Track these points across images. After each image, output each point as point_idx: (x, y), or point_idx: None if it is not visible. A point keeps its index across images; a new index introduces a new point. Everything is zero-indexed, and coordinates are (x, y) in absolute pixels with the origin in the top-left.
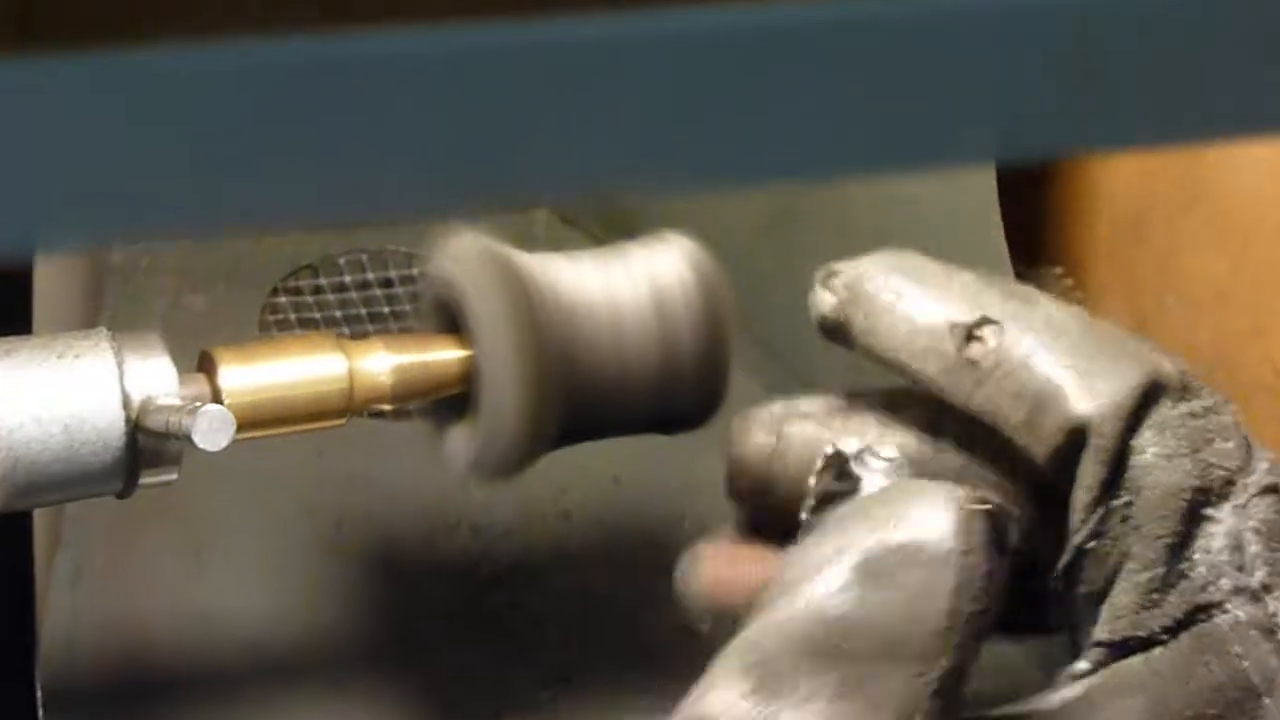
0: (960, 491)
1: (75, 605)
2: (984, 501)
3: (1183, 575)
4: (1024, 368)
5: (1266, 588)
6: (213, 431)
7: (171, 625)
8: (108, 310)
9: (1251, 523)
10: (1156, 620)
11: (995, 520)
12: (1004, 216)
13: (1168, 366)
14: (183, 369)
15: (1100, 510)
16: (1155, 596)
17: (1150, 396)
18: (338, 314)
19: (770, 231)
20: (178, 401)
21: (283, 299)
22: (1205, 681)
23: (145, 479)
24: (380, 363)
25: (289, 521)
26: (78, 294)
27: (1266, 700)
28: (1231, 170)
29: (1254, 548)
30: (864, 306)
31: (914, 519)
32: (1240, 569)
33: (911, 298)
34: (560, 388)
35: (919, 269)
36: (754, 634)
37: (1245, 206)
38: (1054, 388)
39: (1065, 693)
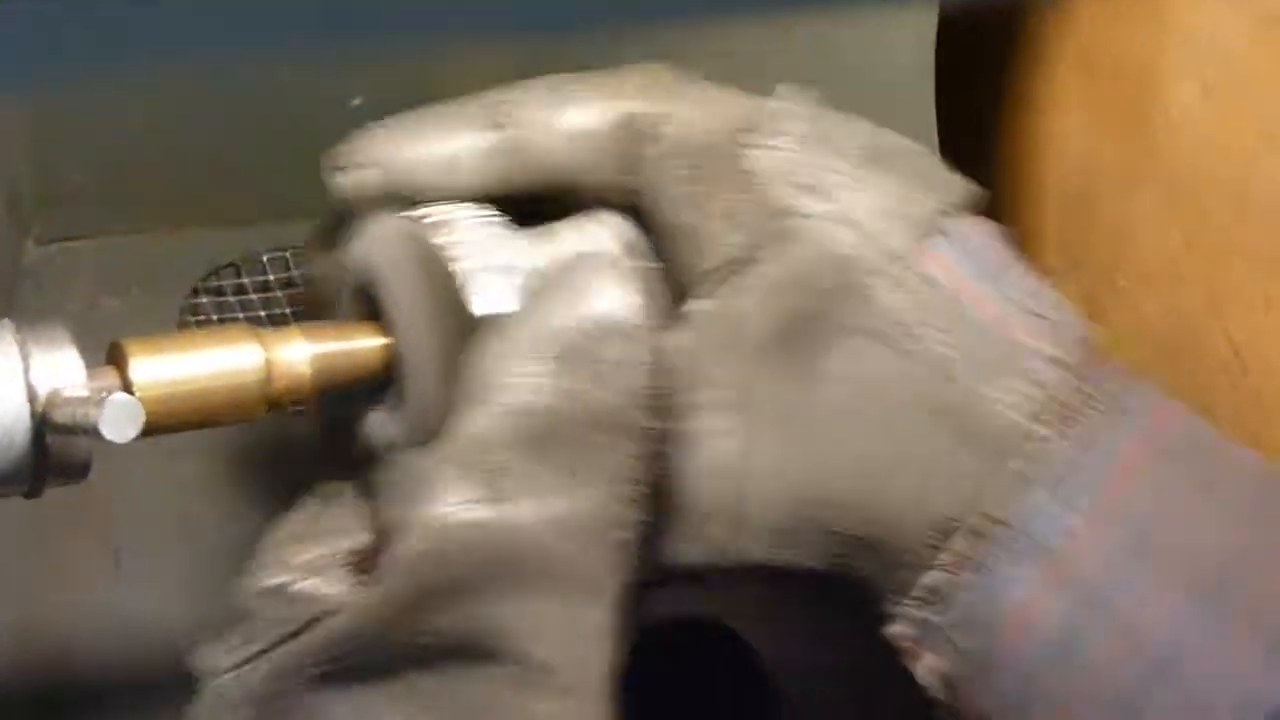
0: (632, 263)
1: None
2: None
3: (752, 197)
4: (558, 116)
5: (825, 185)
6: (120, 422)
7: (90, 633)
8: (19, 313)
9: (793, 138)
10: (746, 238)
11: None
12: None
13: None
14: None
15: (668, 182)
16: (737, 221)
17: (657, 79)
18: (262, 314)
19: None
20: (85, 393)
21: (204, 299)
22: (805, 270)
23: (54, 478)
24: (299, 351)
25: (211, 524)
26: None
27: (863, 275)
28: (1183, 142)
29: (800, 157)
30: (395, 161)
31: (598, 296)
32: (795, 175)
33: (432, 129)
34: None
35: (421, 113)
36: (467, 435)
37: (1198, 180)
38: (596, 111)
39: (690, 321)
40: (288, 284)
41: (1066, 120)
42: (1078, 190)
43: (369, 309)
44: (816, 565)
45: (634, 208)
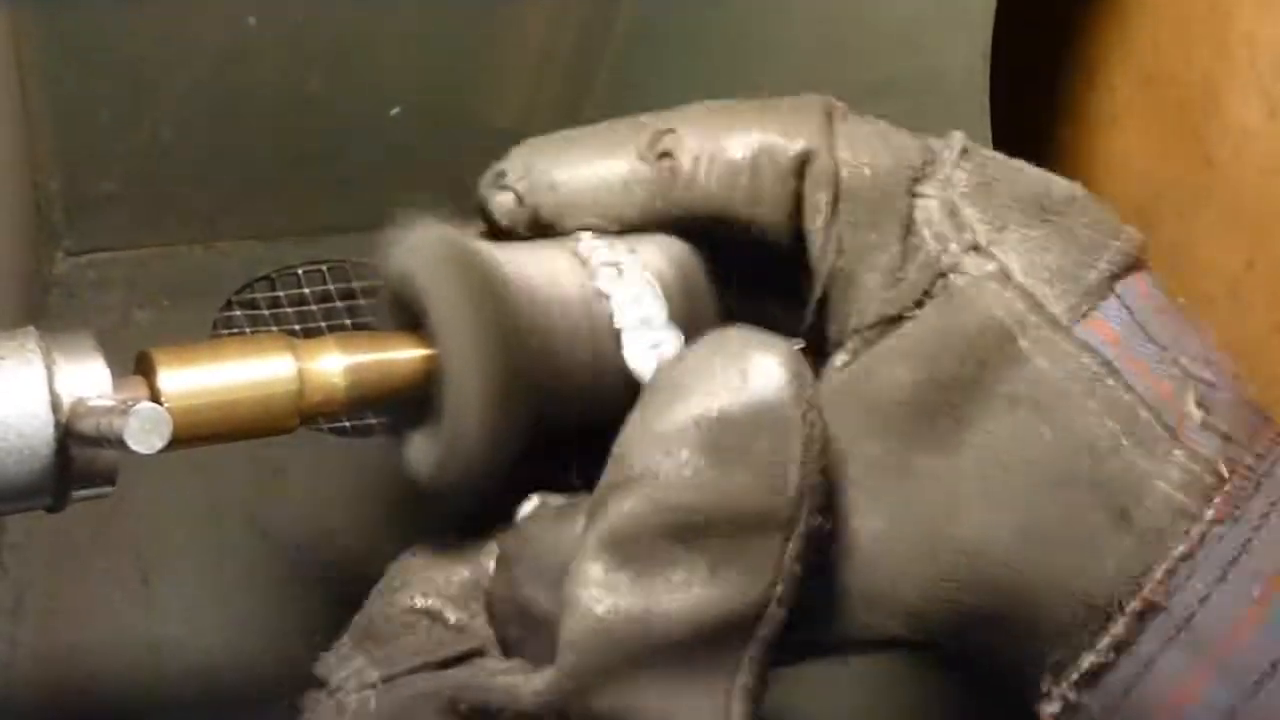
0: (783, 342)
1: (15, 636)
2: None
3: (915, 249)
4: (721, 149)
5: (990, 242)
6: (146, 432)
7: (118, 656)
8: (49, 325)
9: (959, 189)
10: (903, 295)
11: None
12: None
13: (825, 95)
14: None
15: (835, 226)
16: (897, 275)
17: (829, 117)
18: (296, 328)
19: None
20: (110, 403)
21: (237, 312)
22: (960, 333)
23: (78, 491)
24: (333, 363)
25: (243, 545)
26: (16, 309)
27: (1021, 341)
28: (1245, 156)
29: (967, 210)
30: (546, 182)
31: (749, 380)
32: (961, 231)
33: (586, 151)
34: (529, 388)
35: (571, 134)
36: (616, 529)
37: (1260, 200)
38: (761, 145)
39: (833, 380)
40: (323, 297)
41: (1126, 138)
42: (1137, 209)
43: (408, 320)
44: (954, 643)
45: (787, 245)
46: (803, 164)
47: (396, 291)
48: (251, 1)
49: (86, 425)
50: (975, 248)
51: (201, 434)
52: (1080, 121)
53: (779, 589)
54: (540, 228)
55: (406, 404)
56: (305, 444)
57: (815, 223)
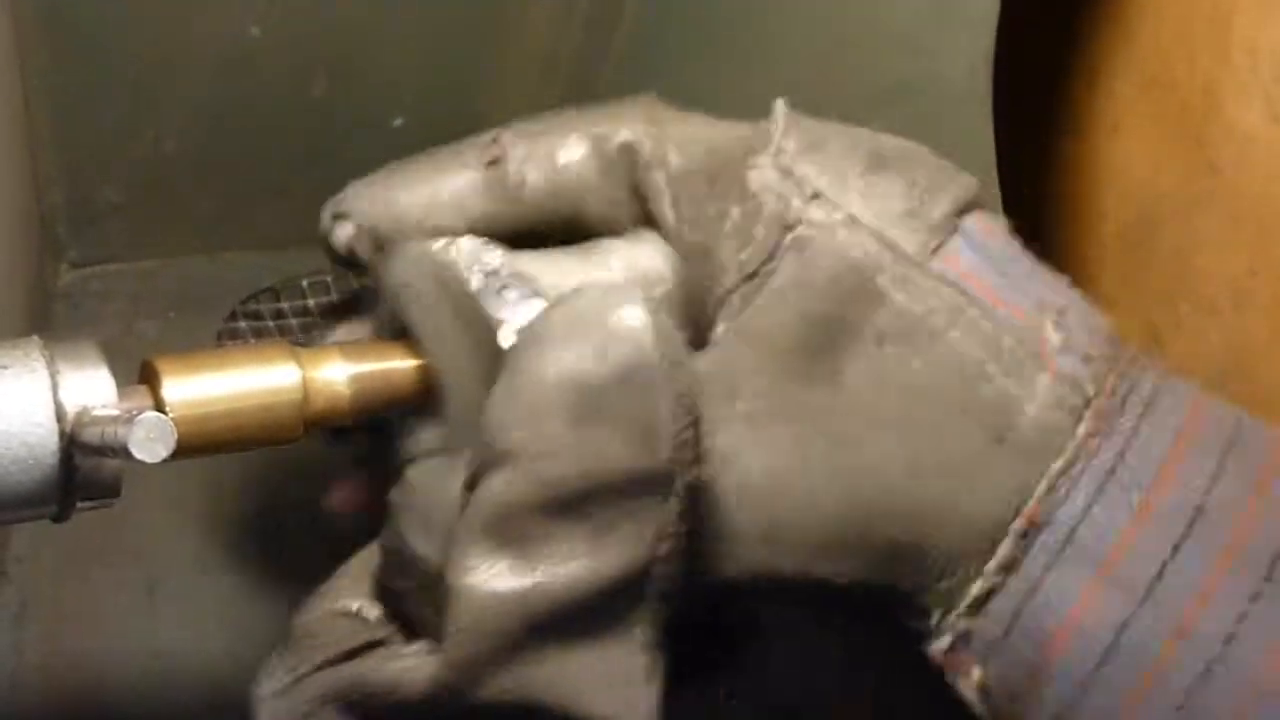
0: (637, 293)
1: (20, 645)
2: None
3: (758, 210)
4: (546, 148)
5: (832, 192)
6: (151, 441)
7: (123, 665)
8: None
9: (790, 153)
10: (756, 251)
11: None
12: (1007, 219)
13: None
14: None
15: (678, 205)
16: (746, 238)
17: (653, 110)
18: (300, 338)
19: None
20: (115, 412)
21: (241, 323)
22: (821, 276)
23: (83, 501)
24: (337, 371)
25: (247, 556)
26: (20, 321)
27: (879, 279)
28: (1247, 162)
29: (803, 168)
30: (381, 203)
31: (611, 339)
32: (801, 186)
33: (422, 171)
34: None
35: (408, 160)
36: (483, 515)
37: (1263, 205)
38: (587, 139)
39: (719, 339)
40: (329, 309)
41: (1127, 144)
42: (1138, 215)
43: (403, 330)
44: (851, 580)
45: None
46: (631, 153)
47: (389, 303)
48: (254, 11)
49: (91, 435)
50: (816, 196)
51: (206, 443)
52: (1081, 127)
53: (664, 547)
54: (381, 248)
55: (410, 412)
56: (309, 454)
57: (660, 205)
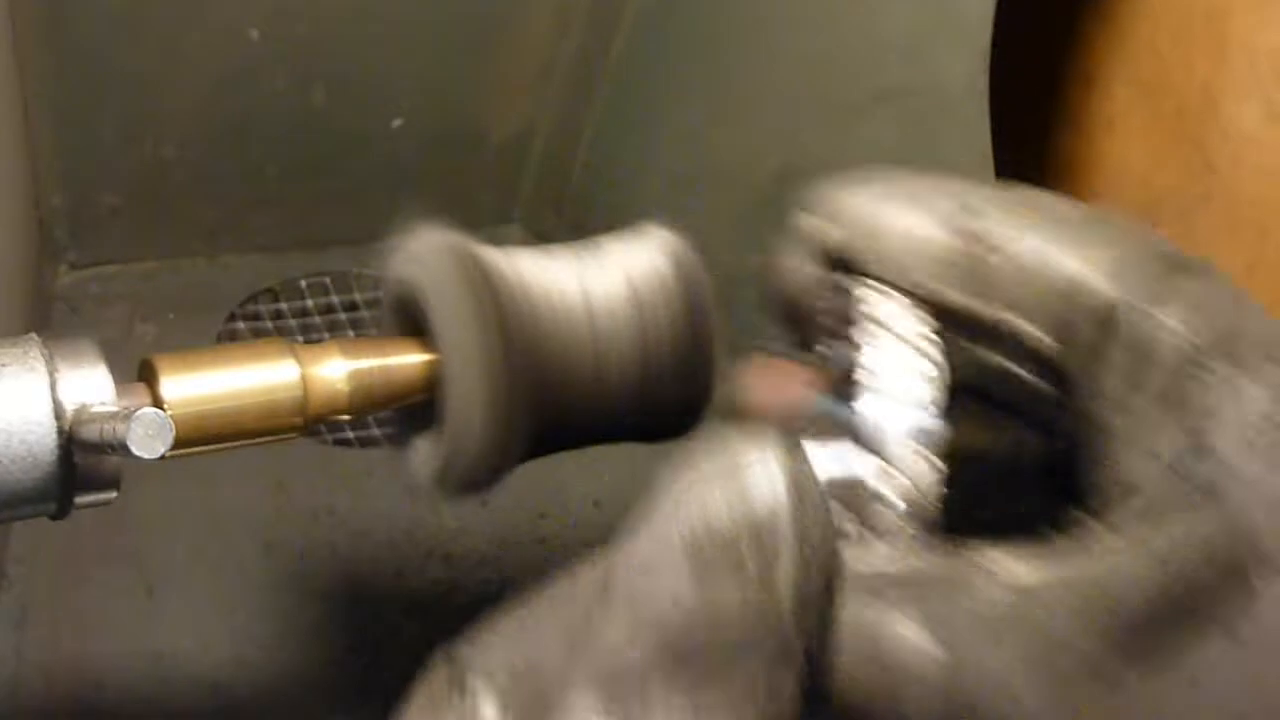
0: (786, 447)
1: (20, 647)
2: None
3: (1196, 450)
4: (1039, 262)
5: (1273, 468)
6: (149, 438)
7: (123, 668)
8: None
9: (1257, 406)
10: (1170, 493)
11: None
12: None
13: (1173, 246)
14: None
15: (1127, 395)
16: (1168, 465)
17: (1167, 266)
18: (300, 339)
19: (753, 230)
20: (113, 409)
21: (240, 325)
22: (1205, 542)
23: (81, 498)
24: (336, 368)
25: (247, 556)
26: (20, 323)
27: (1256, 581)
28: (1244, 161)
29: (1265, 438)
30: (865, 229)
31: (743, 495)
32: (1249, 449)
33: (908, 214)
34: (532, 393)
35: (907, 184)
36: (604, 650)
37: (1260, 203)
38: (1075, 278)
39: (1058, 556)
40: (326, 309)
41: (1125, 144)
42: (1136, 214)
43: (410, 326)
44: None
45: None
46: (1112, 312)
47: (400, 297)
48: (254, 15)
49: (89, 432)
50: (1251, 460)
51: (204, 440)
52: (1079, 128)
53: (779, 706)
54: (838, 262)
55: (410, 410)
56: (309, 454)
57: (1105, 383)
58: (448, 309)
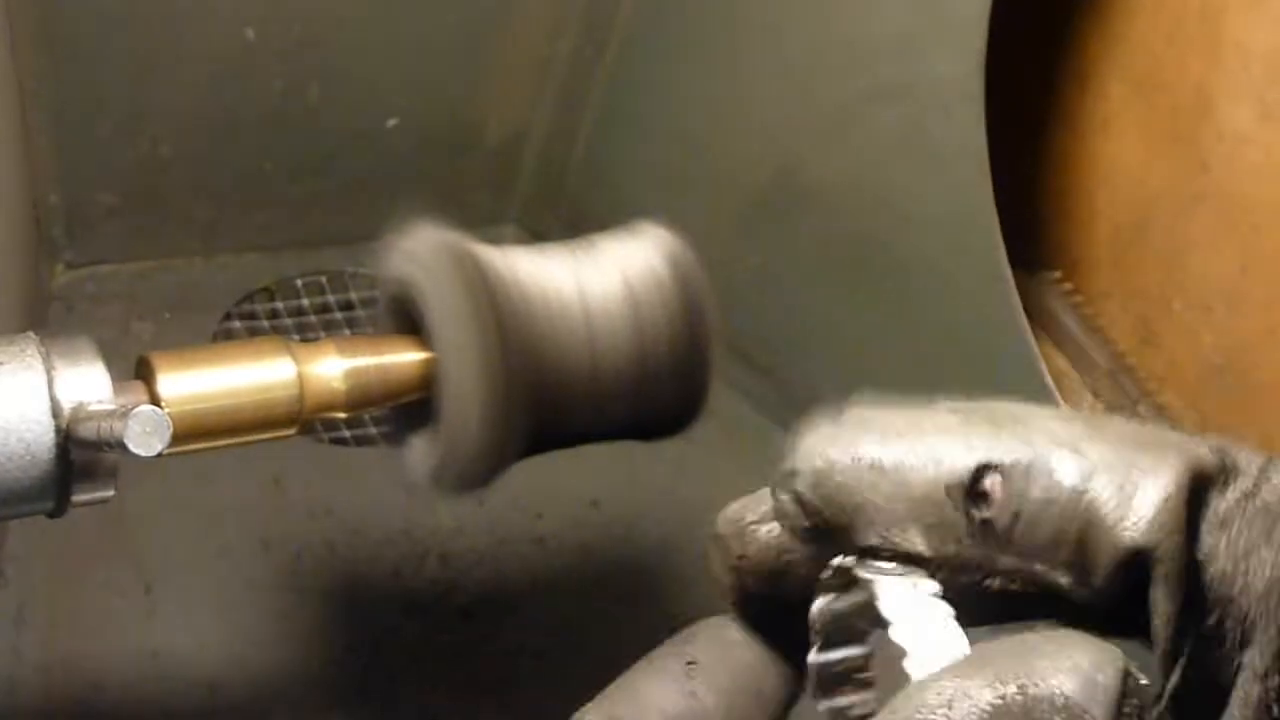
0: (1118, 653)
1: (18, 646)
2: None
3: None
4: (1047, 507)
5: None
6: (146, 435)
7: (121, 666)
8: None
9: None
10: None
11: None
12: (1001, 219)
13: (1199, 450)
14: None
15: (1188, 639)
16: (1274, 709)
17: (1197, 494)
18: (295, 338)
19: (749, 230)
20: (110, 407)
21: (236, 324)
22: None
23: (79, 495)
24: (332, 366)
25: (244, 555)
26: (17, 322)
27: None
28: (1237, 161)
29: None
30: (842, 502)
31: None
32: None
33: (892, 470)
34: (528, 390)
35: (885, 429)
36: None
37: (1255, 203)
38: (1091, 520)
39: None
40: (322, 308)
41: (1119, 143)
42: (1131, 214)
43: (407, 324)
44: None
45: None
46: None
47: (396, 295)
48: (250, 15)
49: (87, 430)
50: None
51: (201, 437)
52: (1074, 127)
53: None
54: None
55: (406, 408)
56: (306, 453)
57: (1160, 632)
58: (444, 308)
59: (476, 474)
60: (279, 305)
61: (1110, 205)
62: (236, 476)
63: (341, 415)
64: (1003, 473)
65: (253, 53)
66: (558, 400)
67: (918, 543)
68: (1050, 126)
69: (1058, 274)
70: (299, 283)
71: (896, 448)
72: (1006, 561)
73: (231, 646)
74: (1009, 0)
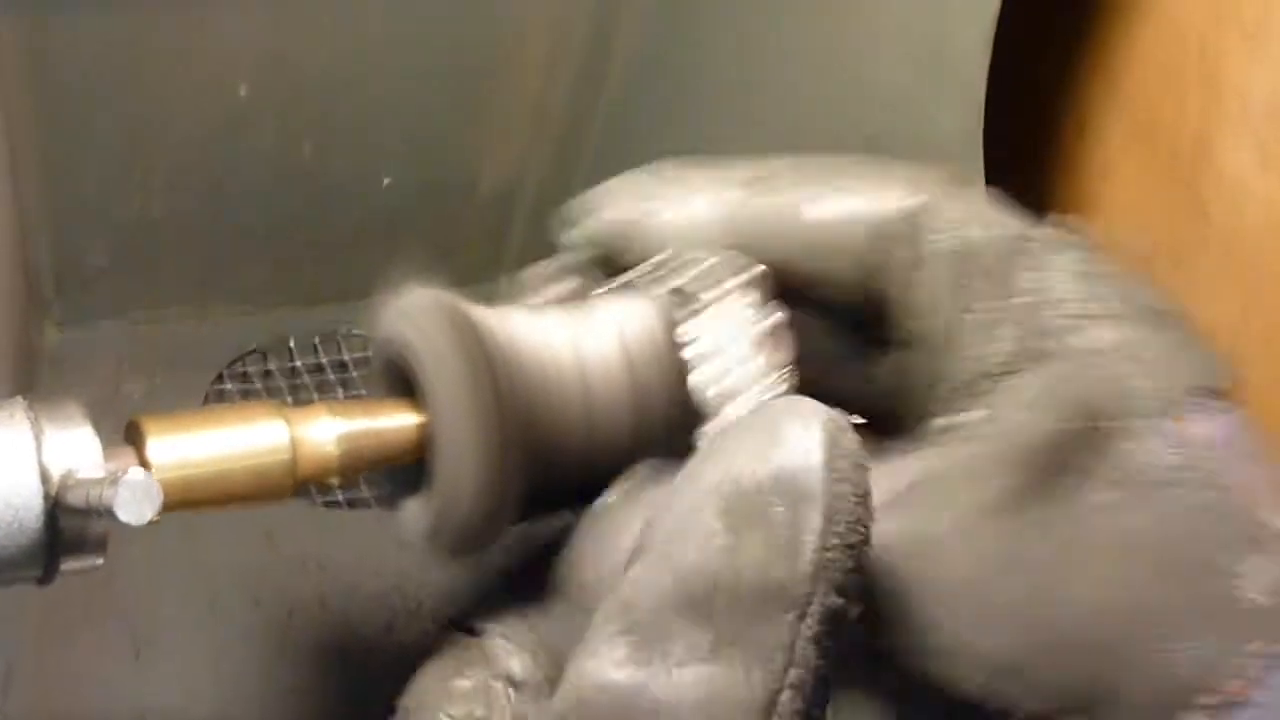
0: (829, 412)
1: (5, 710)
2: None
3: (1019, 312)
4: (839, 208)
5: (1096, 322)
6: (136, 503)
7: None
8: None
9: (1064, 269)
10: (1012, 353)
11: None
12: None
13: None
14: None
15: (937, 285)
16: (998, 334)
17: (948, 181)
18: (289, 400)
19: None
20: (100, 473)
21: (229, 385)
22: (1076, 396)
23: (67, 563)
24: (326, 430)
25: (235, 612)
26: (6, 382)
27: (1125, 424)
28: (1239, 207)
29: (1072, 286)
30: (633, 218)
31: (777, 448)
32: (1064, 302)
33: (674, 189)
34: (524, 455)
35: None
36: (628, 593)
37: (1255, 250)
38: (876, 208)
39: (934, 434)
40: (315, 369)
41: (1120, 189)
42: (1132, 258)
43: (401, 385)
44: (1029, 711)
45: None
46: (916, 215)
47: (389, 357)
48: (242, 70)
49: (76, 496)
50: (1082, 322)
51: (193, 503)
52: (1073, 174)
53: (791, 675)
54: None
55: (400, 469)
56: (298, 507)
57: (906, 276)
58: (438, 370)
59: (471, 539)
60: (271, 366)
61: (1110, 250)
62: (227, 531)
63: (336, 480)
64: (776, 169)
65: (246, 109)
66: (553, 464)
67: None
68: (1050, 174)
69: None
70: (292, 342)
71: (680, 175)
72: (772, 254)
73: (223, 704)
74: (1008, 49)
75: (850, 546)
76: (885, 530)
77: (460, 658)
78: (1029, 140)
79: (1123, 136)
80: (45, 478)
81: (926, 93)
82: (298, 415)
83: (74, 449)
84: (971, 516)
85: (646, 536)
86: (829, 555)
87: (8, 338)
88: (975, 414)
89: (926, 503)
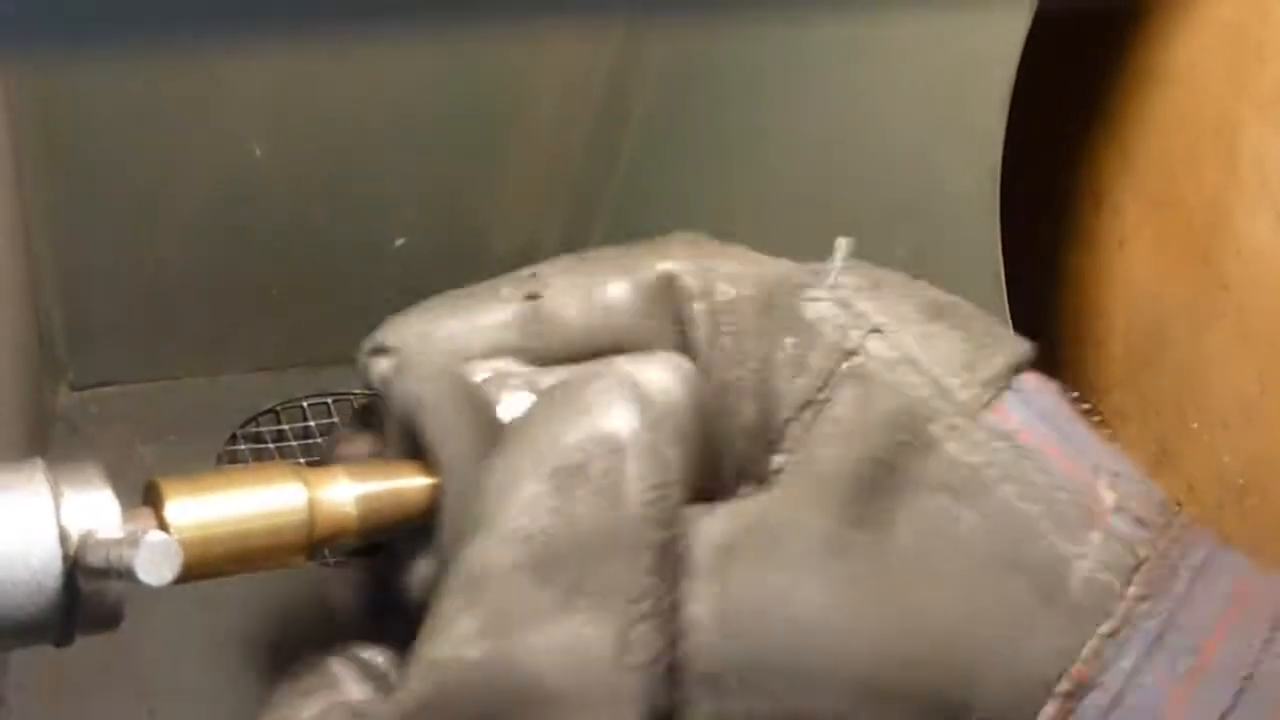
0: (630, 370)
1: None
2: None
3: (815, 339)
4: (584, 281)
5: (891, 330)
6: (156, 564)
7: None
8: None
9: (849, 289)
10: (812, 379)
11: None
12: None
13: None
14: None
15: (720, 336)
16: (801, 365)
17: (696, 245)
18: (302, 461)
19: None
20: (119, 535)
21: (242, 446)
22: (878, 414)
23: (86, 625)
24: (343, 492)
25: (249, 680)
26: (20, 444)
27: (932, 427)
28: (1256, 276)
29: (863, 304)
30: (415, 336)
31: (592, 410)
32: (859, 319)
33: (458, 306)
34: None
35: (446, 295)
36: (469, 566)
37: (1273, 314)
38: (626, 272)
39: (780, 470)
40: (328, 430)
41: (1135, 257)
42: (1147, 329)
43: (413, 448)
44: None
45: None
46: (673, 284)
47: (402, 419)
48: (256, 132)
49: (95, 557)
50: (877, 331)
51: (212, 565)
52: (1089, 245)
53: (639, 608)
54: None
55: (410, 530)
56: (310, 578)
57: (698, 334)
58: (445, 431)
59: None
60: (285, 427)
61: (1126, 322)
62: (243, 601)
63: (354, 542)
64: (542, 274)
65: (260, 171)
66: None
67: (491, 350)
68: (1066, 247)
69: (1074, 394)
70: (305, 404)
71: (464, 294)
72: (564, 334)
73: None
74: (1023, 120)
75: (675, 484)
76: (735, 584)
77: (305, 681)
78: (1045, 212)
79: (1139, 208)
80: (64, 539)
81: (942, 161)
82: (315, 477)
83: (93, 511)
84: (806, 561)
85: (472, 511)
86: (649, 495)
87: (21, 399)
88: (787, 457)
89: (763, 552)
